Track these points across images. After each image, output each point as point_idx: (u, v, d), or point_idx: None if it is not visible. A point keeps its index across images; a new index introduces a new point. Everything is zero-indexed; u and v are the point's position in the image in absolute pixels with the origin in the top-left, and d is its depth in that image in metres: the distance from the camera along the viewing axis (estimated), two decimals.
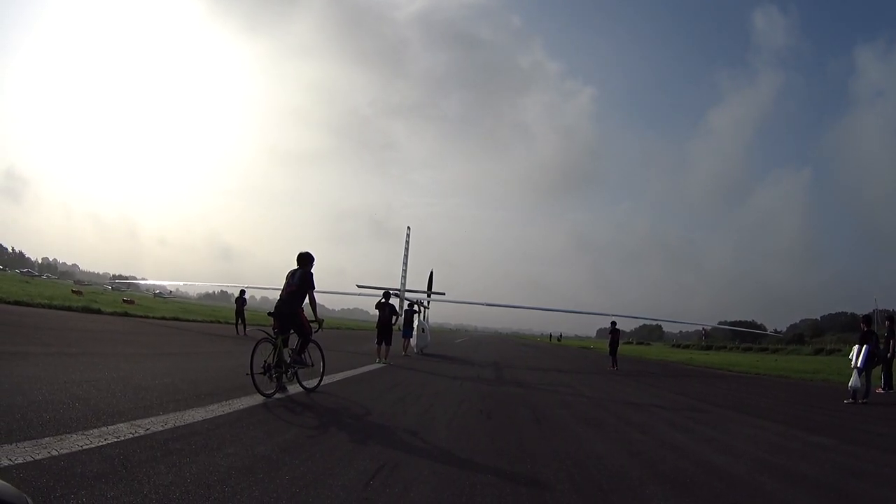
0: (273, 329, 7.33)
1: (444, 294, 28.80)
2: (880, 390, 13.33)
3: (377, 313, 15.39)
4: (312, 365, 7.74)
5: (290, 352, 7.40)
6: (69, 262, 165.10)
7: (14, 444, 3.56)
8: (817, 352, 43.01)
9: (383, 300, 15.50)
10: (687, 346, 64.56)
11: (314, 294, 7.73)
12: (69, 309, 21.62)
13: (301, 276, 7.56)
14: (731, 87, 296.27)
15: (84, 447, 3.72)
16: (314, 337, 7.76)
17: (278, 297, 7.61)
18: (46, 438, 3.78)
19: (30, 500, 1.22)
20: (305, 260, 7.73)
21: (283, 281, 7.65)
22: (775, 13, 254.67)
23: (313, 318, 7.76)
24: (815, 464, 5.44)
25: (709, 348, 57.74)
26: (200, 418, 5.11)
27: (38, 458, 3.38)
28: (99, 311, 22.70)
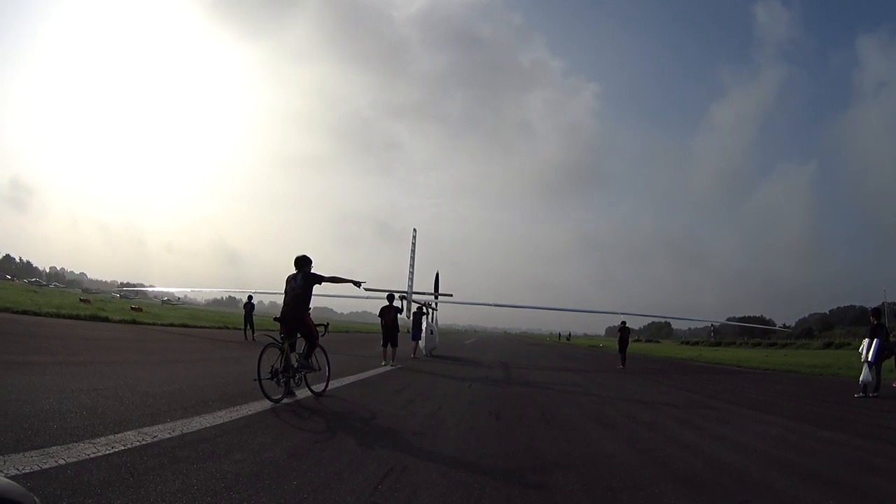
0: (280, 334, 7.34)
1: (451, 295, 28.78)
2: None
3: (384, 315, 15.39)
4: (320, 369, 7.74)
5: (298, 356, 7.40)
6: (77, 271, 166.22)
7: (22, 454, 3.58)
8: (827, 346, 42.64)
9: (387, 303, 15.52)
10: (696, 343, 64.26)
11: (331, 278, 7.78)
12: (77, 318, 21.76)
13: (304, 278, 7.57)
14: (734, 82, 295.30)
15: (91, 456, 3.72)
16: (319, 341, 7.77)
17: (282, 303, 7.63)
18: (54, 447, 3.80)
19: (37, 500, 1.23)
20: (304, 262, 7.74)
21: (285, 286, 7.67)
22: (777, 6, 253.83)
23: (320, 323, 7.79)
24: (827, 459, 5.38)
25: (718, 345, 57.42)
26: (208, 425, 5.12)
27: (45, 467, 3.39)
28: (107, 320, 22.82)
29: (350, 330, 51.53)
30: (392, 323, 15.07)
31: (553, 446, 5.48)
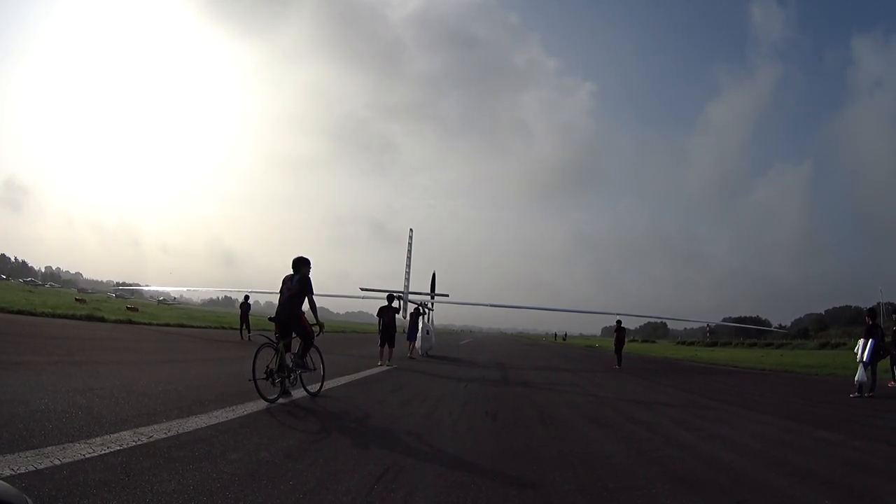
0: (275, 334, 7.32)
1: (447, 296, 28.81)
2: (893, 384, 13.26)
3: (383, 315, 15.39)
4: (315, 368, 7.72)
5: (293, 356, 7.39)
6: (72, 271, 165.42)
7: (17, 454, 3.55)
8: (822, 346, 42.72)
9: (386, 304, 15.50)
10: (692, 343, 64.33)
11: (314, 298, 7.71)
12: (73, 317, 21.67)
13: (300, 281, 7.54)
14: (729, 81, 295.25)
15: (87, 456, 3.70)
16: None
17: (277, 302, 7.60)
18: (49, 448, 3.77)
19: (30, 501, 1.22)
20: (301, 264, 7.70)
21: (281, 286, 7.64)
22: (773, 5, 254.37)
23: (314, 322, 7.75)
24: (823, 459, 5.40)
25: (713, 345, 57.49)
26: (204, 425, 5.10)
27: (40, 467, 3.37)
28: (102, 319, 22.73)
29: (346, 330, 51.44)
30: (391, 323, 15.06)
31: (550, 446, 5.47)
